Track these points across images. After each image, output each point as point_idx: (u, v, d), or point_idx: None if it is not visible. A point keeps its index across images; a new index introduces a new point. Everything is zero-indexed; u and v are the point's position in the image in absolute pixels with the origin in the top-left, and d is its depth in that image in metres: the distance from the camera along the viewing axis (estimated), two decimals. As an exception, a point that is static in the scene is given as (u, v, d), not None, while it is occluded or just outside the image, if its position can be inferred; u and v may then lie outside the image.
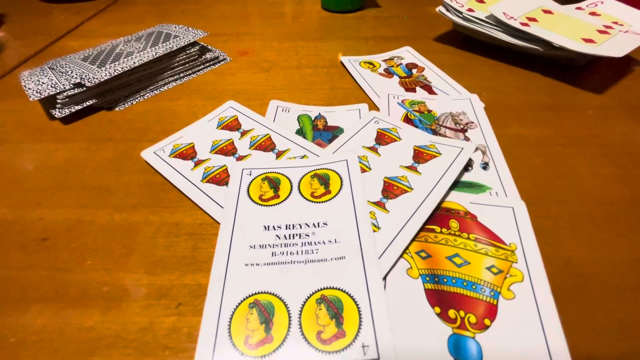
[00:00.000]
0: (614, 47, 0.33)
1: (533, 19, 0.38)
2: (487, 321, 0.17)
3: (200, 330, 0.17)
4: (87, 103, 0.33)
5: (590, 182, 0.25)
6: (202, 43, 0.42)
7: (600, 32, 0.36)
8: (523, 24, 0.37)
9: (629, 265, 0.20)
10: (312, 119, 0.31)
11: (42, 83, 0.32)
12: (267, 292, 0.18)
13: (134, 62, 0.34)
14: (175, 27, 0.41)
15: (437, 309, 0.18)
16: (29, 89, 0.32)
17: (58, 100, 0.31)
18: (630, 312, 0.18)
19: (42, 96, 0.31)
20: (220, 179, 0.25)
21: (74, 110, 0.32)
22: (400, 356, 0.16)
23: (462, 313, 0.18)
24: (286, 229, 0.21)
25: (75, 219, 0.23)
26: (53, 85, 0.32)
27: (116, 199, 0.25)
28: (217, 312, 0.18)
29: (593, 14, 0.41)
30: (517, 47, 0.38)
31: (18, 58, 0.44)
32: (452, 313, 0.18)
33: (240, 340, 0.17)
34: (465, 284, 0.19)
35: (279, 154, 0.27)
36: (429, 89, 0.36)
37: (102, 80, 0.32)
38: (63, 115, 0.32)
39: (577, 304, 0.18)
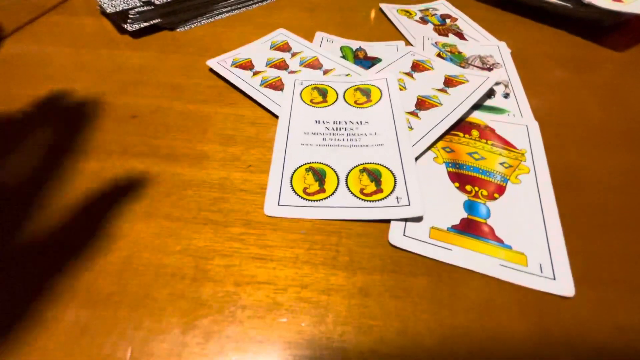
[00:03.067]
0: (640, 6, 0.35)
1: (567, -22, 0.40)
2: (496, 195, 0.22)
3: (268, 181, 0.22)
4: (154, 21, 0.37)
5: (598, 116, 0.29)
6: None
7: (630, -6, 0.38)
8: (557, -18, 0.39)
9: (617, 173, 0.24)
10: (354, 50, 0.35)
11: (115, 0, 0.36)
12: (320, 162, 0.23)
13: (196, -12, 0.37)
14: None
15: (457, 184, 0.22)
16: (104, 3, 0.36)
17: (130, 15, 0.35)
18: (609, 199, 0.22)
19: (117, 10, 0.35)
20: (276, 85, 0.29)
21: (142, 26, 0.36)
22: (426, 208, 0.20)
23: (476, 188, 0.22)
24: (334, 123, 0.26)
25: (156, 105, 0.28)
26: (125, 2, 0.36)
27: (188, 94, 0.29)
28: (281, 171, 0.22)
29: (626, -21, 0.42)
30: (548, 4, 0.40)
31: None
32: (468, 187, 0.22)
33: (300, 189, 0.22)
34: (480, 170, 0.23)
35: (325, 72, 0.31)
36: (460, 35, 0.39)
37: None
38: (133, 29, 0.36)
39: (571, 191, 0.22)
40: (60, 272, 0.18)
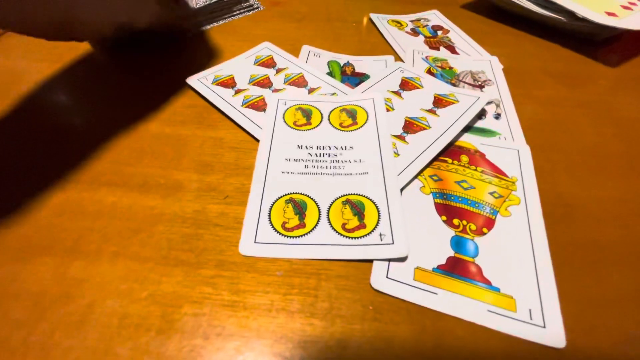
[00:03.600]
0: (634, 21, 0.35)
1: (561, -10, 0.39)
2: (485, 230, 0.21)
3: (245, 215, 0.21)
4: (132, 34, 0.35)
5: (591, 138, 0.28)
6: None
7: (624, 7, 0.38)
8: (550, -6, 0.38)
9: (611, 203, 0.23)
10: (341, 65, 0.34)
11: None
12: (301, 193, 0.22)
13: None
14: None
15: (444, 217, 0.21)
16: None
17: (107, 28, 0.34)
18: (603, 235, 0.21)
19: None
20: (258, 105, 0.28)
21: (120, 41, 0.34)
22: (411, 246, 0.19)
23: (464, 222, 0.21)
24: (317, 149, 0.25)
25: (131, 127, 0.26)
26: None
27: (166, 114, 0.28)
28: (259, 204, 0.21)
29: (620, -9, 0.41)
30: (541, 17, 0.39)
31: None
32: (456, 221, 0.21)
33: (279, 224, 0.20)
34: (469, 202, 0.22)
35: (310, 90, 0.30)
36: (452, 49, 0.37)
37: (149, 11, 0.34)
38: (109, 45, 0.34)
39: (563, 224, 0.21)
40: (12, 322, 0.16)
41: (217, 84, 0.30)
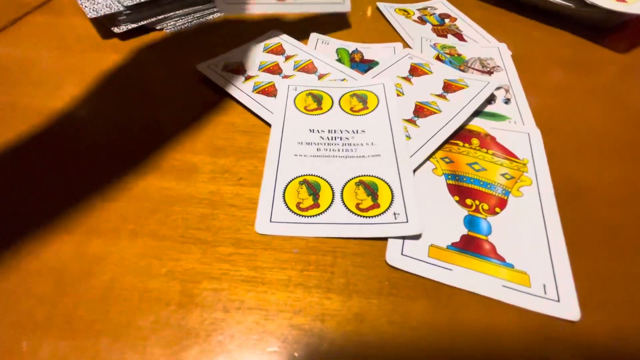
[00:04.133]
0: (644, 7, 0.34)
1: (569, -23, 0.39)
2: (497, 209, 0.21)
3: (260, 195, 0.21)
4: (142, 22, 0.35)
5: (601, 122, 0.28)
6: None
7: (633, -7, 0.37)
8: (558, -19, 0.38)
9: (621, 184, 0.23)
10: (350, 52, 0.34)
11: (98, 2, 0.35)
12: (314, 175, 0.22)
13: (185, -12, 0.36)
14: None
15: (457, 198, 0.21)
16: (85, 7, 0.34)
17: (117, 17, 0.34)
18: (614, 215, 0.21)
19: (98, 15, 0.33)
20: (269, 91, 0.28)
21: (130, 27, 0.35)
22: (425, 225, 0.20)
23: (477, 202, 0.21)
24: (328, 132, 0.25)
25: (144, 113, 0.27)
26: (108, 5, 0.34)
27: (177, 100, 0.28)
28: (273, 185, 0.21)
29: (629, -23, 0.41)
30: (549, 4, 0.39)
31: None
32: (469, 201, 0.21)
33: (293, 204, 0.21)
34: (481, 183, 0.22)
35: (320, 76, 0.30)
36: (459, 37, 0.37)
37: (157, -1, 0.34)
38: (121, 30, 0.34)
39: (575, 205, 0.21)
40: (35, 297, 0.17)
41: (227, 71, 0.30)
